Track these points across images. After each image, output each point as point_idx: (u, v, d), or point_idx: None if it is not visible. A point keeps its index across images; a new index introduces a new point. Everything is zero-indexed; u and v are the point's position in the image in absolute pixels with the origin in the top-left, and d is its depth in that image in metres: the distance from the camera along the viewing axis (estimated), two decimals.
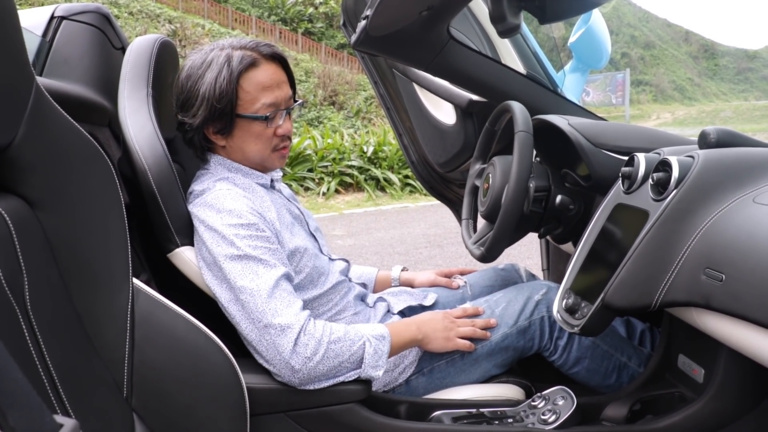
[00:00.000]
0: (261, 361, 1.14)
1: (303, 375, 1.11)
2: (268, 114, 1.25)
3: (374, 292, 1.65)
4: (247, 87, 1.23)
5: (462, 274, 1.68)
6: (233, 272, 1.14)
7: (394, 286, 1.66)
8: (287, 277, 1.18)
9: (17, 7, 0.74)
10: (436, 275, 1.65)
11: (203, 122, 1.23)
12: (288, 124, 1.31)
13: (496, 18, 1.22)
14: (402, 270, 1.69)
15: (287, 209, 1.34)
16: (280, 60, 1.29)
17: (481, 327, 1.32)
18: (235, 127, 1.26)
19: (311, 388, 1.14)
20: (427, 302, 1.51)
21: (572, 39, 4.42)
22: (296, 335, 1.10)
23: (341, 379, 1.15)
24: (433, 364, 1.31)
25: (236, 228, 1.16)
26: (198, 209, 1.21)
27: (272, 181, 1.36)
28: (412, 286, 1.65)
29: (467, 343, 1.30)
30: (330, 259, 1.43)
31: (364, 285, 1.53)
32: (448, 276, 1.66)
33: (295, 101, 1.33)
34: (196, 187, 1.27)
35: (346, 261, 1.52)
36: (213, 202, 1.20)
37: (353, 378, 1.16)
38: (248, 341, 1.14)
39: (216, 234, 1.16)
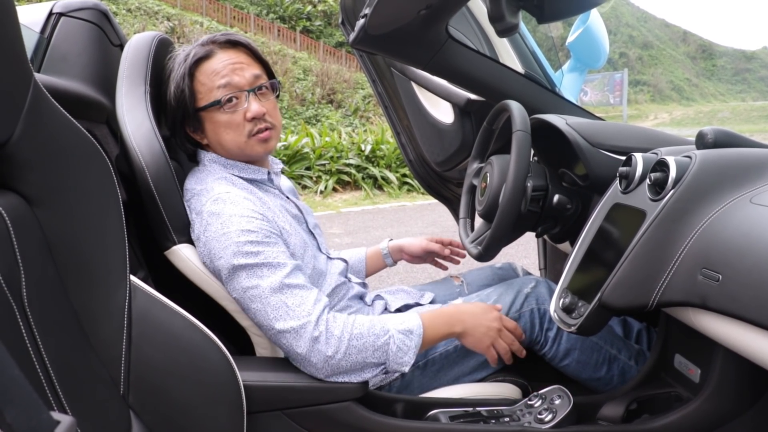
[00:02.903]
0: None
1: (327, 371, 1.12)
2: (220, 98, 1.22)
3: (367, 269, 1.70)
4: (203, 78, 1.23)
5: (453, 250, 1.72)
6: (238, 280, 1.13)
7: (385, 258, 1.71)
8: (297, 269, 1.16)
9: (16, 3, 0.74)
10: (428, 240, 1.67)
11: (174, 125, 1.26)
12: (256, 105, 1.25)
13: (495, 17, 1.22)
14: (389, 241, 1.72)
15: (285, 208, 1.33)
16: (241, 45, 1.27)
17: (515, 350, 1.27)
18: (203, 122, 1.26)
19: (339, 380, 1.14)
20: (424, 300, 1.51)
21: (570, 39, 4.43)
22: (311, 334, 1.09)
23: (368, 375, 1.15)
24: (428, 357, 1.32)
25: (242, 234, 1.13)
26: (199, 210, 1.19)
27: (269, 173, 1.34)
28: (402, 252, 1.70)
29: (495, 356, 1.25)
30: (328, 257, 1.43)
31: (363, 284, 1.52)
32: (441, 243, 1.70)
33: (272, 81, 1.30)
34: (194, 185, 1.25)
35: (345, 261, 1.51)
36: (214, 207, 1.17)
37: (380, 373, 1.16)
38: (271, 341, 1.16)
39: (219, 239, 1.14)
